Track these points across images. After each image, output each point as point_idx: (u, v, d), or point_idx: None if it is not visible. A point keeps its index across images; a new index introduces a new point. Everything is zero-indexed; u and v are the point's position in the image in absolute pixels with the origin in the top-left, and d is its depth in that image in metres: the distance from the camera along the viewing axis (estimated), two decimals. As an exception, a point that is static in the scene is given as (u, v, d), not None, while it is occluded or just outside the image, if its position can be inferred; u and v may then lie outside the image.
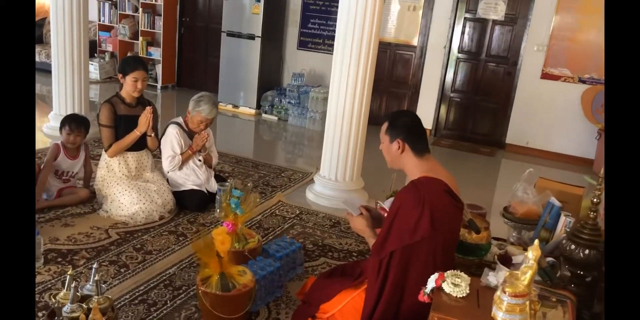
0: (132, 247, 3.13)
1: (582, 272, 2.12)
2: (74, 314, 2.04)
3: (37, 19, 8.54)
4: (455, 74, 6.54)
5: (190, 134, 3.82)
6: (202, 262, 2.40)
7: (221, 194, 3.62)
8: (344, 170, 4.04)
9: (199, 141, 3.76)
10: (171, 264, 2.98)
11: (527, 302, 1.56)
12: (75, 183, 3.80)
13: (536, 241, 1.62)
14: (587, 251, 2.04)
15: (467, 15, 6.33)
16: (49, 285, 2.66)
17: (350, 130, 3.95)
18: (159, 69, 7.89)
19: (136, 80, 3.51)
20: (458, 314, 1.61)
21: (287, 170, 4.86)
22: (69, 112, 5.08)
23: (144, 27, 7.90)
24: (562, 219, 2.68)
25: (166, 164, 3.76)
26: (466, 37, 6.41)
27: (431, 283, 1.79)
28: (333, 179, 4.07)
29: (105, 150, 3.60)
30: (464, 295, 1.72)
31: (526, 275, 1.56)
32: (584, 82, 5.79)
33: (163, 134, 3.81)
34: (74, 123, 3.64)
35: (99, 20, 8.29)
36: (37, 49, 8.31)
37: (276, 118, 6.94)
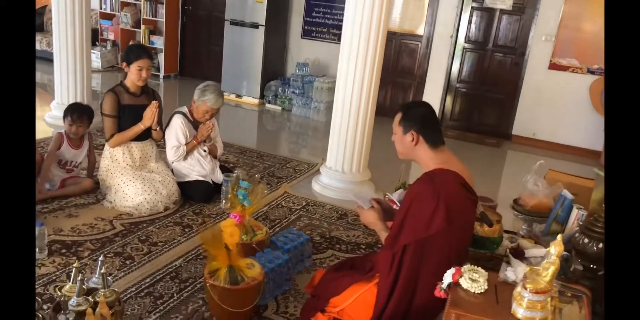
0: (137, 239, 3.09)
1: (594, 266, 2.08)
2: (80, 308, 2.00)
3: (37, 7, 8.45)
4: (461, 64, 6.45)
5: (195, 123, 3.76)
6: (210, 254, 2.36)
7: (227, 185, 3.58)
8: (350, 162, 3.99)
9: (204, 131, 3.70)
10: (177, 256, 2.94)
11: (549, 299, 1.52)
12: (79, 173, 3.75)
13: (559, 236, 1.57)
14: (600, 245, 2.01)
15: (474, 5, 6.23)
16: (54, 277, 2.62)
17: (357, 121, 3.89)
18: (161, 58, 7.80)
19: (141, 69, 3.44)
20: (477, 311, 1.57)
21: (292, 160, 4.80)
22: (71, 101, 5.01)
23: (146, 16, 7.80)
24: (575, 211, 2.64)
25: (170, 154, 3.71)
26: (473, 26, 6.32)
27: (448, 278, 1.74)
28: (340, 170, 4.02)
29: (107, 140, 3.55)
30: (482, 291, 1.68)
31: (548, 271, 1.51)
32: (592, 72, 5.71)
33: (168, 123, 3.75)
34: (76, 113, 3.58)
35: (101, 8, 8.18)
36: (38, 37, 8.23)
37: (280, 108, 6.87)
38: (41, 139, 4.71)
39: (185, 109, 3.77)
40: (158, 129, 3.61)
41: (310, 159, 4.94)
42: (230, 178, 3.58)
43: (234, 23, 6.93)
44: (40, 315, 1.91)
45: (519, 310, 1.52)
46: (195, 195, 3.67)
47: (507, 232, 2.76)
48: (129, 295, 2.52)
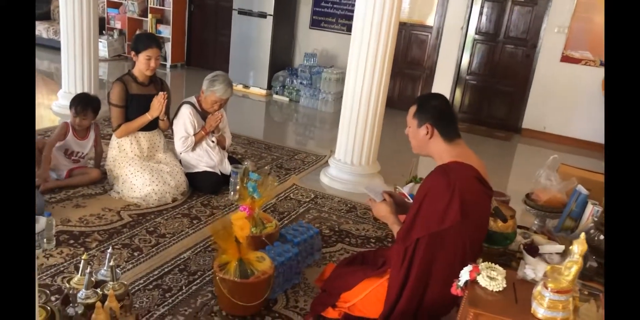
0: (145, 230, 3.06)
1: (609, 263, 2.04)
2: (89, 300, 1.98)
3: (44, -6, 8.39)
4: (471, 56, 6.37)
5: (203, 114, 3.72)
6: (220, 247, 2.33)
7: (235, 176, 3.55)
8: (360, 154, 3.94)
9: (213, 122, 3.66)
10: (185, 248, 2.91)
11: (570, 299, 1.48)
12: (86, 163, 3.72)
13: (582, 235, 1.52)
14: (615, 242, 1.96)
15: (486, -5, 6.14)
16: (62, 268, 2.60)
17: (367, 113, 3.83)
18: (168, 47, 7.75)
19: (149, 59, 3.39)
20: (496, 310, 1.53)
21: (300, 152, 4.76)
22: (78, 90, 4.98)
23: (153, 4, 7.73)
24: (590, 207, 2.60)
25: (179, 145, 3.67)
26: (484, 17, 6.23)
27: (465, 275, 1.70)
28: (349, 162, 3.97)
29: (114, 130, 3.51)
30: (501, 289, 1.64)
31: (571, 270, 1.47)
32: (605, 65, 5.62)
33: (176, 114, 3.71)
34: (80, 105, 3.53)
35: (108, -3, 8.14)
36: (45, 25, 8.19)
37: (287, 99, 6.81)
38: (48, 128, 4.69)
39: (193, 99, 3.73)
40: (165, 119, 3.57)
41: (318, 150, 4.90)
42: (239, 169, 3.55)
43: (241, 12, 6.86)
44: (48, 308, 1.89)
45: (539, 310, 1.48)
46: (203, 186, 3.63)
47: (519, 227, 2.72)
48: (137, 288, 2.49)
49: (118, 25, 8.13)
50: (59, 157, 3.52)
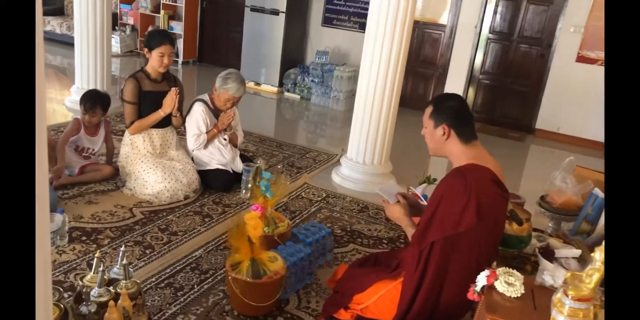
0: (157, 228, 3.06)
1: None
2: (102, 299, 1.97)
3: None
4: (485, 55, 6.31)
5: (216, 112, 3.71)
6: (232, 247, 2.32)
7: (247, 175, 3.54)
8: (372, 153, 3.91)
9: (225, 120, 3.65)
10: (197, 246, 2.91)
11: (592, 307, 1.45)
12: (98, 160, 3.73)
13: (604, 242, 1.49)
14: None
15: (501, -6, 6.08)
16: (74, 265, 2.60)
17: (380, 112, 3.80)
18: (180, 43, 7.74)
19: (162, 56, 3.38)
20: (515, 317, 1.51)
21: (312, 151, 4.74)
22: (91, 86, 4.99)
23: (166, 0, 7.73)
24: (607, 211, 2.55)
25: (191, 142, 3.67)
26: (498, 16, 6.17)
27: (482, 281, 1.67)
28: (361, 161, 3.95)
29: (127, 127, 3.51)
30: (519, 295, 1.61)
31: (592, 277, 1.44)
32: (621, 66, 5.54)
33: (188, 111, 3.71)
34: (88, 103, 3.52)
35: (120, -8, 8.15)
36: (59, 20, 8.22)
37: (299, 97, 6.79)
38: (60, 123, 4.70)
39: (206, 97, 3.72)
40: (178, 115, 3.56)
41: (329, 149, 4.88)
42: (251, 168, 3.54)
43: (254, 9, 6.85)
44: (62, 306, 1.89)
45: (559, 318, 1.45)
46: (215, 184, 3.63)
47: (534, 230, 2.69)
48: (149, 286, 2.49)
49: (130, 21, 8.15)
50: (70, 154, 3.53)
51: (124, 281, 2.07)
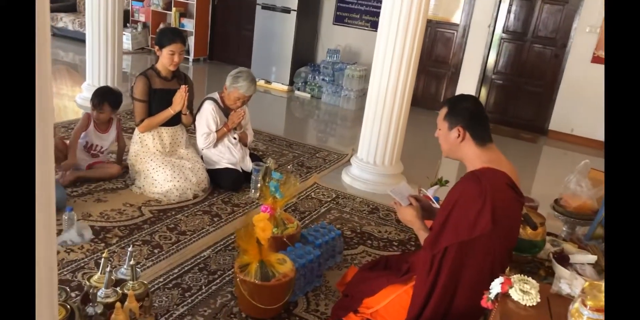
0: (165, 227, 3.04)
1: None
2: (109, 299, 1.95)
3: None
4: (498, 55, 6.24)
5: (226, 110, 3.68)
6: (241, 248, 2.29)
7: (257, 174, 3.51)
8: (383, 154, 3.87)
9: (235, 119, 3.62)
10: (206, 246, 2.88)
11: (611, 318, 1.40)
12: (107, 158, 3.70)
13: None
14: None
15: (515, -7, 6.00)
16: (82, 264, 2.58)
17: (392, 112, 3.76)
18: (191, 41, 7.74)
19: (173, 54, 3.36)
20: (530, 326, 1.46)
21: (322, 150, 4.71)
22: (102, 83, 4.99)
23: (177, -2, 7.73)
24: (624, 216, 2.49)
25: (201, 141, 3.64)
26: (512, 16, 6.09)
27: (496, 288, 1.63)
28: (371, 162, 3.91)
29: (137, 125, 3.49)
30: (534, 304, 1.56)
31: (612, 288, 1.39)
32: (638, 67, 5.44)
33: (198, 110, 3.68)
34: (97, 99, 3.50)
35: (132, -11, 8.15)
36: (71, 17, 8.25)
37: (309, 95, 6.75)
38: (71, 120, 4.71)
39: (216, 95, 3.69)
40: (188, 113, 3.54)
41: (339, 148, 4.84)
42: (261, 167, 3.51)
43: (265, 7, 6.82)
44: (68, 306, 1.87)
45: (576, 328, 1.41)
46: (225, 183, 3.60)
47: (548, 234, 2.63)
48: (156, 286, 2.47)
49: (142, 18, 8.15)
50: (78, 151, 3.51)
51: (131, 282, 2.05)
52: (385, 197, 3.49)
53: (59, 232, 2.78)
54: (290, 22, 6.68)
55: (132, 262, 2.07)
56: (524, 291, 1.58)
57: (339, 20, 6.99)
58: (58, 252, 2.64)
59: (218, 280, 2.58)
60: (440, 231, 1.97)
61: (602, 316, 1.40)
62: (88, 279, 2.09)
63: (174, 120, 3.55)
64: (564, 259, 2.26)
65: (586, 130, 5.81)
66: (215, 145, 3.66)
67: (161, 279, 2.53)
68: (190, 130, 3.87)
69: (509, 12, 6.08)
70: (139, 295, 2.00)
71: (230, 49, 7.87)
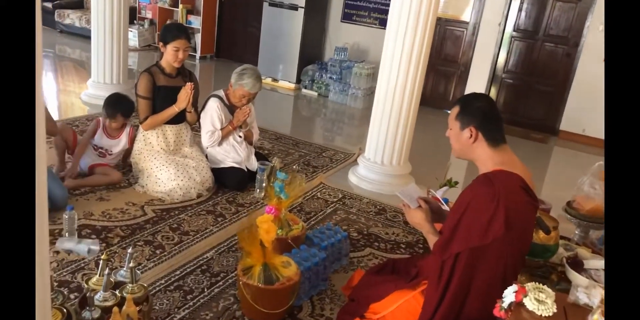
0: (168, 227, 2.98)
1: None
2: (107, 303, 1.89)
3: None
4: (508, 53, 6.14)
5: (231, 108, 3.62)
6: (244, 251, 2.22)
7: (262, 173, 3.45)
8: (391, 153, 3.79)
9: (240, 116, 3.56)
10: (209, 246, 2.82)
11: (632, 331, 1.32)
12: (113, 162, 3.61)
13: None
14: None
15: (527, -9, 5.90)
16: (82, 265, 2.53)
17: (400, 111, 3.68)
18: (198, 38, 7.69)
19: (177, 50, 3.30)
20: (546, 339, 1.38)
21: (329, 149, 4.63)
22: (107, 80, 4.95)
23: (184, -6, 7.68)
24: (639, 220, 2.40)
25: (205, 139, 3.58)
26: (523, 14, 5.99)
27: (509, 297, 1.55)
28: (379, 162, 3.83)
29: (140, 123, 3.43)
30: (550, 314, 1.49)
31: (634, 299, 1.31)
32: (652, 67, 5.33)
33: (203, 107, 3.62)
34: (110, 110, 3.45)
35: (139, -14, 8.11)
36: (78, 14, 8.22)
37: (316, 93, 6.68)
38: (77, 117, 4.67)
39: (221, 93, 3.63)
40: (193, 111, 3.48)
41: (346, 147, 4.76)
42: (266, 166, 3.44)
43: (272, 4, 6.75)
44: (65, 310, 1.81)
45: (596, 341, 1.33)
46: (229, 182, 3.54)
47: (560, 238, 2.55)
48: (158, 288, 2.41)
49: (149, 15, 8.10)
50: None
51: (130, 285, 1.99)
52: (393, 197, 3.41)
53: (59, 231, 2.74)
54: (297, 19, 6.60)
55: (131, 264, 2.01)
56: (539, 300, 1.51)
57: (347, 17, 6.91)
58: (58, 253, 2.59)
59: (221, 283, 2.51)
60: (450, 236, 1.89)
61: (623, 329, 1.32)
62: (87, 281, 2.03)
63: (179, 118, 3.49)
64: (578, 265, 2.17)
65: (598, 130, 5.69)
66: (220, 143, 3.59)
67: (162, 281, 2.47)
68: (196, 128, 3.81)
69: (520, 10, 5.98)
70: (138, 299, 1.94)
71: (237, 46, 7.81)
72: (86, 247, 2.55)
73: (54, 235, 2.71)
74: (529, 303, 1.50)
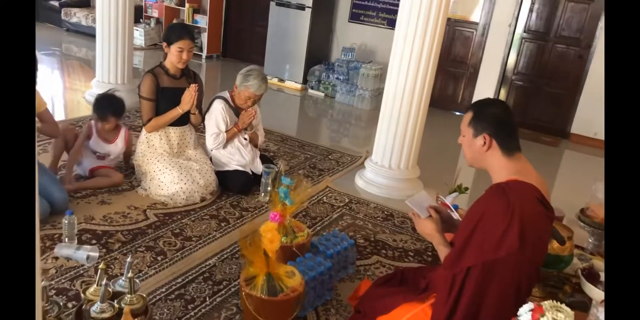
0: (170, 232, 2.91)
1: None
2: (104, 315, 1.83)
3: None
4: (519, 55, 6.04)
5: (236, 110, 3.54)
6: (247, 260, 2.15)
7: (267, 177, 3.37)
8: (399, 157, 3.70)
9: (246, 118, 3.48)
10: (212, 253, 2.75)
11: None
12: (114, 163, 3.55)
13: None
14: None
15: (539, -9, 5.79)
16: (82, 271, 2.46)
17: (409, 114, 3.59)
18: (204, 37, 7.63)
19: (181, 51, 3.23)
20: (566, 363, 1.30)
21: (335, 152, 4.55)
22: (112, 80, 4.89)
23: (191, -7, 7.61)
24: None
25: (210, 142, 3.51)
26: (534, 15, 5.88)
27: (525, 316, 1.47)
28: (386, 165, 3.74)
29: (144, 125, 3.37)
30: (570, 336, 1.40)
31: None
32: (666, 69, 5.22)
33: (208, 109, 3.55)
34: (99, 112, 3.36)
35: (146, -15, 8.06)
36: (85, 12, 8.19)
37: (323, 94, 6.60)
38: (81, 117, 4.62)
39: (226, 94, 3.56)
40: (197, 113, 3.41)
41: (353, 150, 4.68)
42: (271, 170, 3.37)
43: (279, 3, 6.67)
44: (61, 322, 1.75)
45: (620, 368, 1.24)
46: (234, 186, 3.47)
47: (575, 247, 2.46)
48: (158, 297, 2.34)
49: (155, 14, 8.05)
50: (84, 151, 3.40)
51: (128, 295, 1.91)
52: (401, 203, 3.33)
53: (59, 236, 2.68)
54: (304, 19, 6.53)
55: (130, 274, 1.94)
56: (557, 321, 1.42)
57: (354, 17, 6.83)
58: (57, 258, 2.52)
59: (223, 292, 2.44)
60: (462, 249, 1.81)
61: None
62: (84, 291, 1.96)
63: (182, 120, 3.42)
64: (593, 277, 2.09)
65: (610, 134, 5.58)
66: (225, 146, 3.52)
67: (163, 289, 2.40)
68: (201, 130, 3.74)
69: (531, 10, 5.87)
70: (136, 310, 1.87)
71: (243, 46, 7.74)
72: (85, 254, 2.49)
73: (54, 240, 2.65)
74: (547, 324, 1.42)
